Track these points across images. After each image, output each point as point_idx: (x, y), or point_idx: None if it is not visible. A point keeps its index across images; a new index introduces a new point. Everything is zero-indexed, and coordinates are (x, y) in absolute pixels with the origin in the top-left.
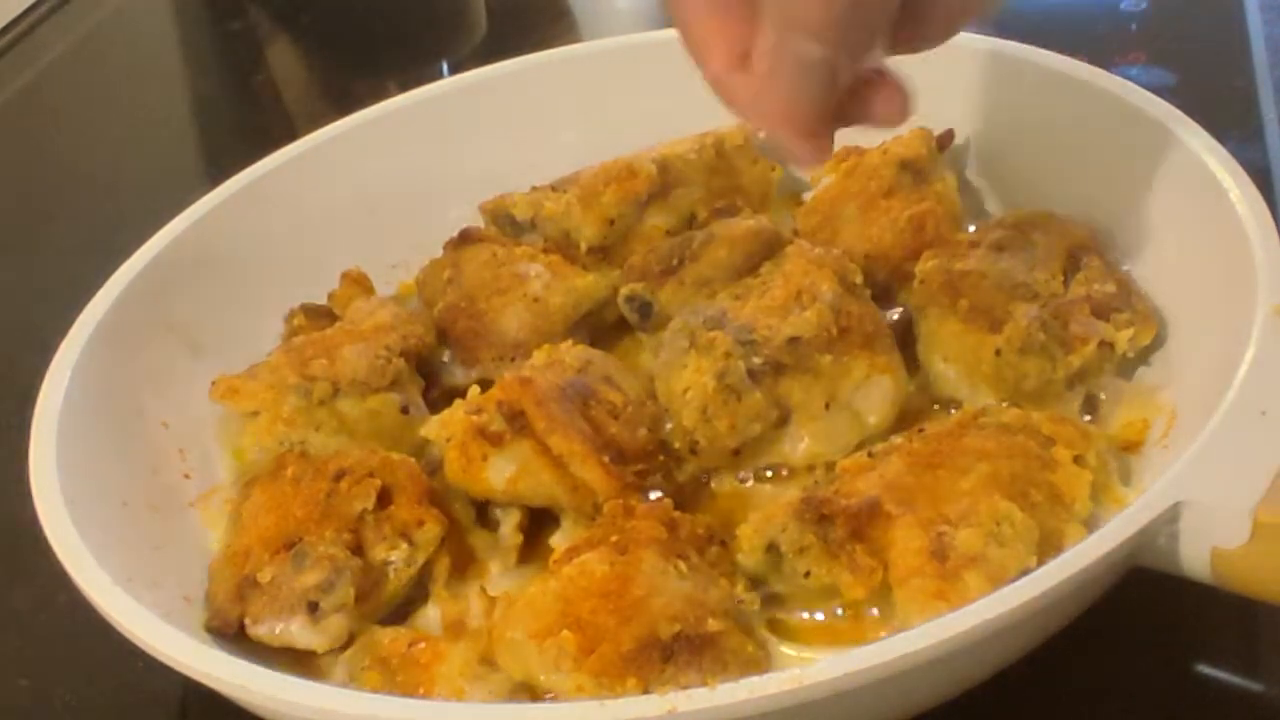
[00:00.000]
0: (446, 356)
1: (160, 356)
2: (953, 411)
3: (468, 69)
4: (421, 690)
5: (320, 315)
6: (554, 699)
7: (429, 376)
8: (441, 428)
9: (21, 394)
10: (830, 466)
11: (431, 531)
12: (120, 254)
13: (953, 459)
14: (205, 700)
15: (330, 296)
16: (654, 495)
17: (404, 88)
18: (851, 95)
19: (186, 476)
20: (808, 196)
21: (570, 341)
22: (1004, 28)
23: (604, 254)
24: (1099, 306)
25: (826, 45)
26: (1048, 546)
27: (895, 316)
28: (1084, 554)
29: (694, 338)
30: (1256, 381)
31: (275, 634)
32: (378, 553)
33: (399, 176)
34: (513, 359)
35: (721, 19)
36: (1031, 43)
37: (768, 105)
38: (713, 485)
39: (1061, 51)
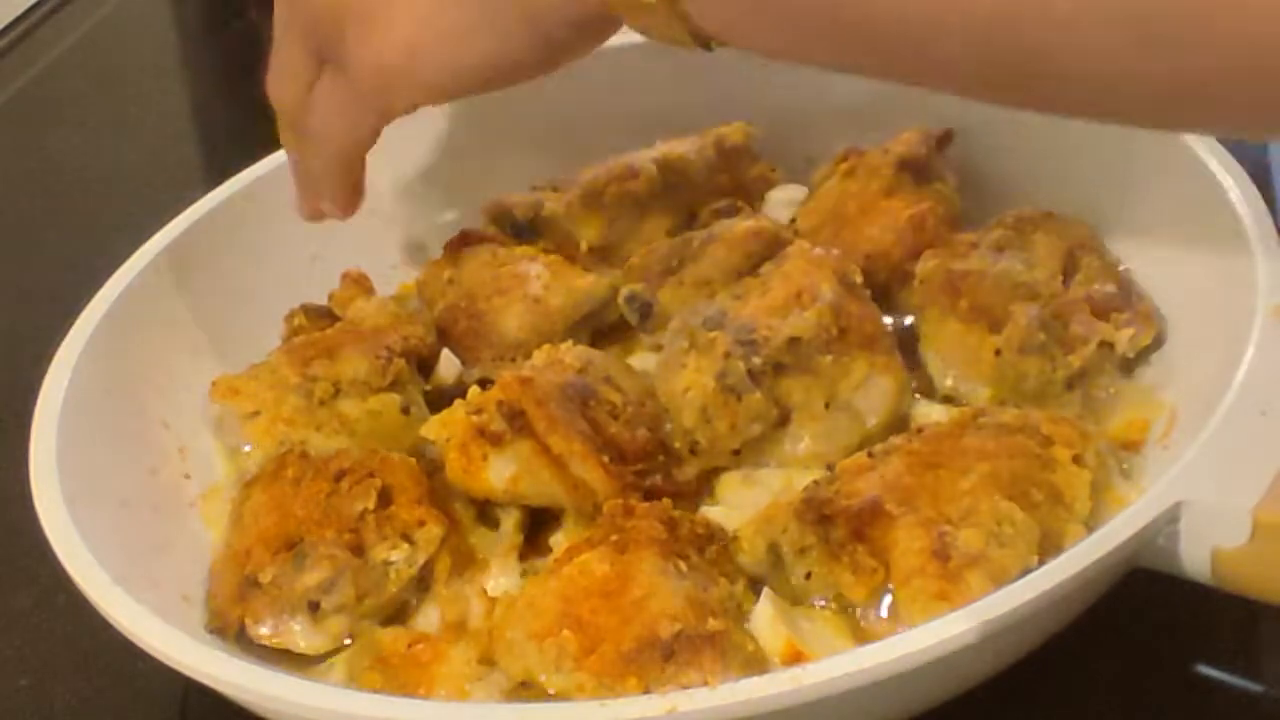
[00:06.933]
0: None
1: (160, 356)
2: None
3: None
4: (421, 690)
5: (320, 315)
6: (554, 699)
7: (429, 376)
8: (441, 428)
9: (22, 394)
10: (830, 466)
11: (432, 531)
12: (120, 254)
13: (953, 459)
14: (205, 700)
15: (330, 296)
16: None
17: None
18: None
19: (186, 476)
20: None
21: (570, 341)
22: None
23: (604, 254)
24: (1099, 306)
25: None
26: (1048, 546)
27: (896, 317)
28: (1084, 554)
29: (694, 338)
30: (1256, 381)
31: (276, 634)
32: (378, 553)
33: (399, 176)
34: (513, 359)
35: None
36: None
37: None
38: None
39: None
